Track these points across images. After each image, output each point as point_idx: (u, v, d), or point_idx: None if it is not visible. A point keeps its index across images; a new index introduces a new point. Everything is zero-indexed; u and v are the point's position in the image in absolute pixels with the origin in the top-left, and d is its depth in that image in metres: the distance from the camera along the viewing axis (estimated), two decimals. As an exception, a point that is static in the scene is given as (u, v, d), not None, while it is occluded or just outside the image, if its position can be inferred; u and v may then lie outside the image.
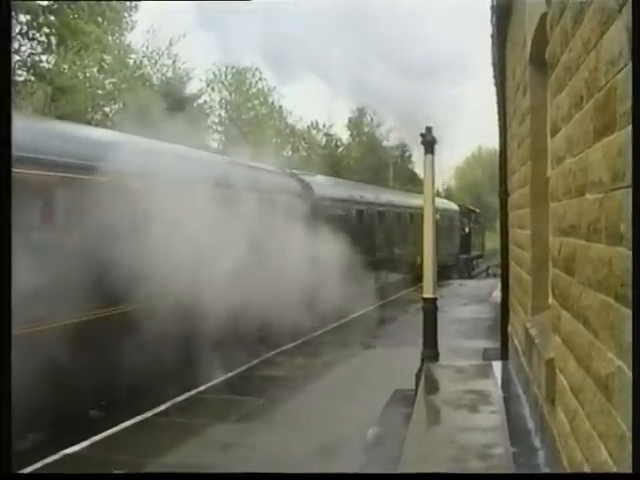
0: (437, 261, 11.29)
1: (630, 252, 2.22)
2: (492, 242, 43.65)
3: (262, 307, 12.13)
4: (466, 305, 21.51)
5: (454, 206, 40.52)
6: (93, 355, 9.23)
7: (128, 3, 31.47)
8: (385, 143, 62.11)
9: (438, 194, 48.30)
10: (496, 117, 10.04)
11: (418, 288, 15.45)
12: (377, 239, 24.15)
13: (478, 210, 48.97)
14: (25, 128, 9.02)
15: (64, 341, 8.30)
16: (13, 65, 26.03)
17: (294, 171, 19.61)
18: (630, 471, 2.15)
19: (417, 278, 17.00)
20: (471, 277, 38.62)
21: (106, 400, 10.04)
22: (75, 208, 9.62)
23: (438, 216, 27.27)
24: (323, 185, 20.60)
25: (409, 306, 20.31)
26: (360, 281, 17.90)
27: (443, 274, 28.04)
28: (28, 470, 7.38)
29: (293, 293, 13.24)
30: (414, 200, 26.98)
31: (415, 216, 24.78)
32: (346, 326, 17.73)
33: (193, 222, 10.92)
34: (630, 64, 2.20)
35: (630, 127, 2.20)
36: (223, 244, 11.34)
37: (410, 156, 63.02)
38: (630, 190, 2.20)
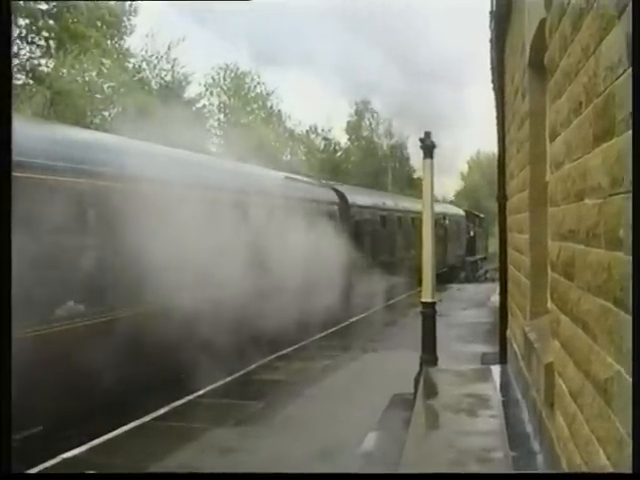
0: (446, 262, 16.09)
1: (629, 257, 2.22)
2: (491, 246, 45.07)
3: (321, 294, 15.49)
4: (465, 309, 21.51)
5: (461, 211, 43.28)
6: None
7: (127, 7, 31.48)
8: (385, 142, 62.13)
9: (444, 200, 49.98)
10: (494, 121, 10.06)
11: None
12: (397, 241, 26.98)
13: (482, 215, 49.90)
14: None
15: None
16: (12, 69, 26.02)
17: (330, 183, 23.47)
18: (630, 471, 2.16)
19: (445, 277, 27.34)
20: (475, 278, 40.30)
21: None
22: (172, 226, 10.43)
23: (447, 221, 34.26)
24: (353, 194, 23.13)
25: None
26: (387, 275, 22.29)
27: (452, 275, 33.22)
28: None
29: (340, 282, 17.27)
30: (445, 208, 34.38)
31: (445, 224, 31.94)
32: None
33: (269, 228, 14.10)
34: (630, 70, 2.21)
35: (629, 132, 2.21)
36: (292, 246, 14.17)
37: (408, 159, 63.05)
38: (630, 196, 2.21)
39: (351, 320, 19.57)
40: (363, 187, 31.56)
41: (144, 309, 10.31)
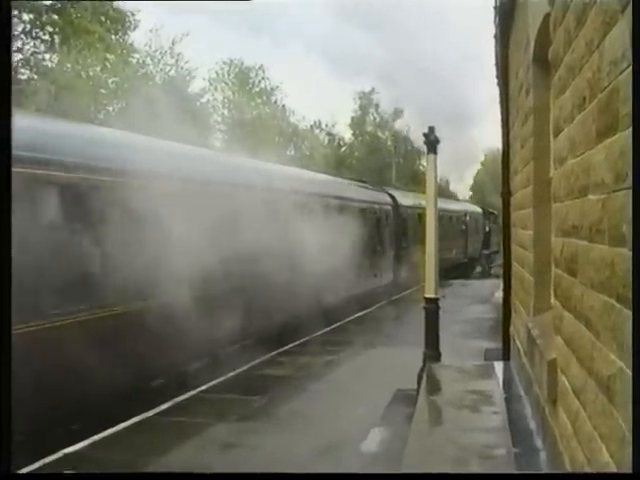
0: (467, 254, 26.10)
1: (631, 253, 2.21)
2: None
3: (380, 271, 23.25)
4: (468, 305, 21.49)
5: (478, 209, 47.61)
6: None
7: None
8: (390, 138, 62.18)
9: (463, 198, 52.58)
10: (495, 117, 10.04)
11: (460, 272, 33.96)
12: (440, 239, 30.85)
13: (496, 212, 50.74)
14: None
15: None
16: (16, 64, 26.04)
17: (383, 187, 28.46)
18: (630, 471, 2.14)
19: (460, 267, 35.23)
20: (490, 268, 42.87)
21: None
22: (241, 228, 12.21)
23: (468, 218, 39.97)
24: (400, 196, 27.87)
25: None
26: (450, 271, 29.35)
27: (470, 265, 39.03)
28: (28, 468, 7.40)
29: (392, 262, 23.72)
30: (453, 205, 39.22)
31: (455, 219, 36.53)
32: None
33: (355, 224, 18.58)
34: (632, 64, 2.19)
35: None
36: (368, 235, 18.30)
37: (412, 154, 63.04)
38: (631, 191, 2.20)
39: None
40: (406, 191, 35.31)
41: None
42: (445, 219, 32.43)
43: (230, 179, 13.40)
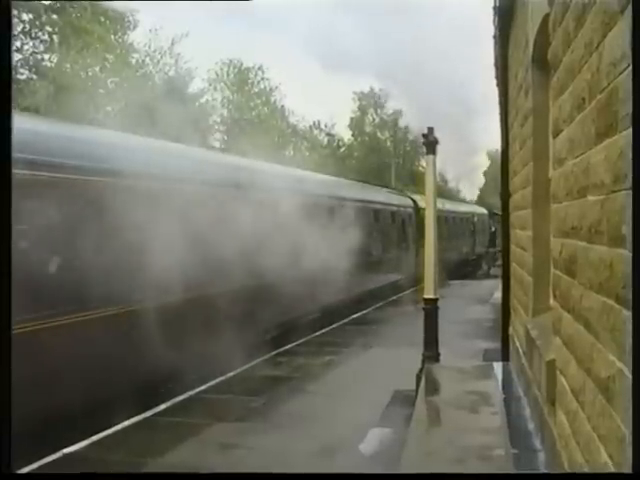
0: (475, 251, 33.87)
1: (631, 254, 2.21)
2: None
3: (403, 266, 26.31)
4: (467, 306, 21.49)
5: (484, 210, 51.04)
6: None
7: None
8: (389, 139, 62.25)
9: (471, 201, 55.26)
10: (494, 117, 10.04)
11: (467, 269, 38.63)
12: (447, 233, 35.14)
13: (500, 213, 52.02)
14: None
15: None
16: (15, 64, 26.03)
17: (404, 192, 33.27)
18: (630, 471, 2.14)
19: (469, 263, 40.78)
20: (495, 265, 44.31)
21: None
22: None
23: (476, 219, 44.88)
24: (420, 200, 29.08)
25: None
26: (450, 264, 31.79)
27: (478, 261, 42.85)
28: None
29: (414, 259, 25.53)
30: (463, 207, 45.34)
31: (465, 220, 41.78)
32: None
33: (379, 230, 23.53)
34: (631, 65, 2.19)
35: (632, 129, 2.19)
36: (396, 234, 21.85)
37: (411, 155, 63.15)
38: (630, 192, 2.20)
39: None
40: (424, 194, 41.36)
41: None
42: (457, 220, 39.34)
43: (301, 190, 16.58)
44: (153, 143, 12.50)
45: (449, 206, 38.73)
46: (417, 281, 25.50)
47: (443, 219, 32.70)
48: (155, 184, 10.71)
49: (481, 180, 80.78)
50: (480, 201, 66.87)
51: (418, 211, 28.30)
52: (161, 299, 10.06)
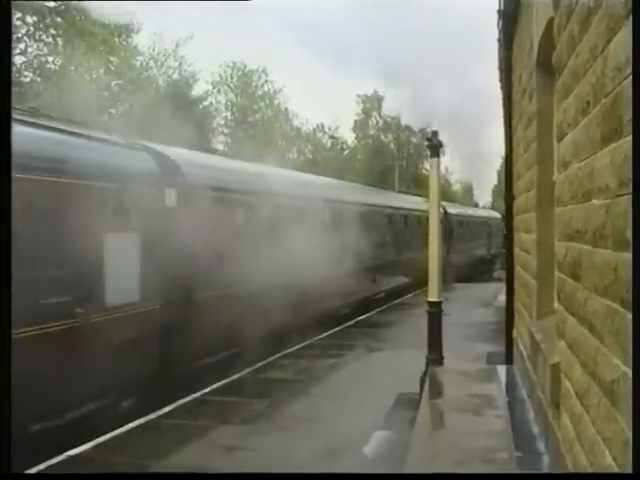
0: (491, 251, 43.67)
1: (633, 257, 2.22)
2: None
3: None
4: (471, 309, 21.48)
5: (498, 214, 54.26)
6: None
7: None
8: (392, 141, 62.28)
9: (485, 206, 66.92)
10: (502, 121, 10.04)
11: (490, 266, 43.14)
12: (470, 235, 42.05)
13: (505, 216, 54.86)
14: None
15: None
16: (19, 66, 26.07)
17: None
18: (630, 471, 2.15)
19: (485, 261, 45.24)
20: (503, 268, 49.37)
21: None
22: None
23: (491, 222, 49.31)
24: (449, 207, 36.08)
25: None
26: (465, 255, 38.62)
27: (492, 260, 45.34)
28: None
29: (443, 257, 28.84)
30: (480, 212, 52.67)
31: (482, 224, 47.46)
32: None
33: (418, 232, 25.76)
34: (630, 76, 2.20)
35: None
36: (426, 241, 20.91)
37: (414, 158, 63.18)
38: (631, 197, 2.21)
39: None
40: (457, 203, 49.87)
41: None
42: (476, 224, 45.39)
43: (365, 202, 22.72)
44: (278, 171, 17.76)
45: (470, 212, 46.71)
46: (449, 270, 32.77)
47: (465, 223, 41.09)
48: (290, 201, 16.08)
49: (494, 184, 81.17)
50: (493, 205, 67.62)
51: (447, 216, 32.82)
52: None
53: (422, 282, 28.41)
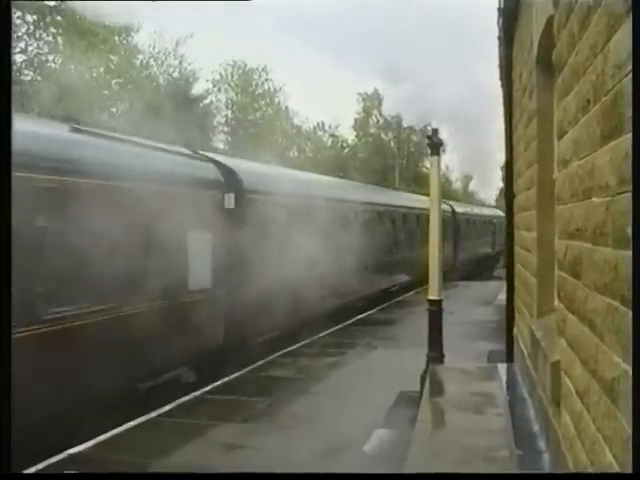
0: (495, 248, 43.65)
1: (632, 255, 2.22)
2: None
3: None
4: (472, 307, 21.47)
5: (501, 213, 61.64)
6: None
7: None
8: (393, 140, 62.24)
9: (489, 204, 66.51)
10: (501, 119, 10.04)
11: (495, 262, 45.52)
12: (476, 232, 44.11)
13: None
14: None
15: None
16: (20, 65, 26.06)
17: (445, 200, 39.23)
18: (630, 471, 2.15)
19: (490, 257, 47.09)
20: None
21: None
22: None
23: (495, 220, 50.59)
24: (457, 206, 39.55)
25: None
26: (472, 249, 40.81)
27: (497, 257, 46.39)
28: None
29: (451, 252, 32.60)
30: (486, 211, 53.35)
31: (488, 222, 48.93)
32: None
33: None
34: (630, 73, 2.19)
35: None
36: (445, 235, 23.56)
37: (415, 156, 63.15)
38: (631, 194, 2.20)
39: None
40: (464, 203, 51.66)
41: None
42: (481, 222, 47.19)
43: (392, 204, 26.23)
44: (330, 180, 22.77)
45: (476, 210, 49.12)
46: (456, 263, 36.74)
47: (472, 222, 43.50)
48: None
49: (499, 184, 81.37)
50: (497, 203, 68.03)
51: (455, 214, 37.09)
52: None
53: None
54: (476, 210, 49.46)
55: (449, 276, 31.16)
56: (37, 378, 7.45)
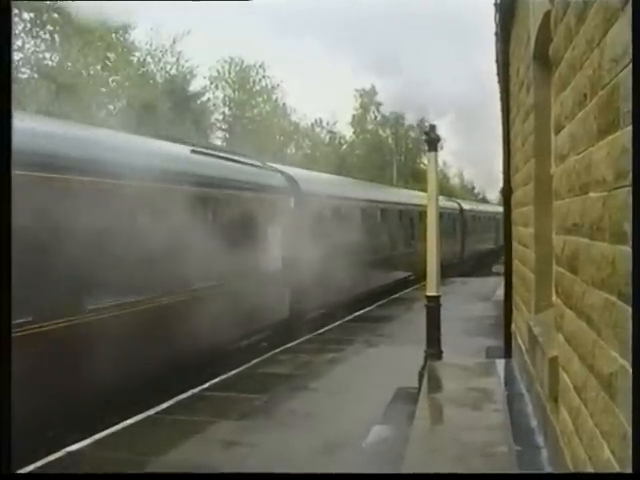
0: (498, 243, 33.56)
1: (631, 250, 2.21)
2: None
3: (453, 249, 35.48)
4: (470, 303, 21.47)
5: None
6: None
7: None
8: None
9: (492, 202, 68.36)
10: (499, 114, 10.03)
11: (498, 257, 40.42)
12: (481, 228, 47.01)
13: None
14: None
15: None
16: (17, 63, 26.01)
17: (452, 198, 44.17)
18: (630, 471, 2.14)
19: (492, 252, 47.18)
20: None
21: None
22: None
23: (498, 217, 53.58)
24: (464, 204, 42.87)
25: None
26: (478, 244, 43.87)
27: (499, 252, 48.84)
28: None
29: (459, 246, 38.04)
30: (489, 208, 55.20)
31: (491, 218, 50.37)
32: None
33: (444, 225, 29.20)
34: (627, 67, 2.18)
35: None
36: (448, 232, 29.41)
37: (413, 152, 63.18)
38: (631, 189, 2.19)
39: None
40: (473, 201, 56.42)
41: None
42: (485, 218, 49.77)
43: (416, 204, 27.38)
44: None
45: (481, 207, 52.69)
46: (464, 255, 39.96)
47: (477, 218, 46.48)
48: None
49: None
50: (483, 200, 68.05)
51: (462, 212, 40.26)
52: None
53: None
54: (480, 207, 52.37)
55: (457, 268, 35.26)
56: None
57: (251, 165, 15.98)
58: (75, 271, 8.47)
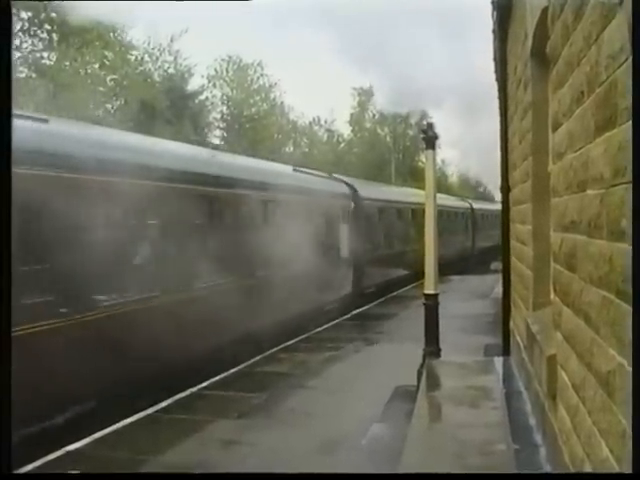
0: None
1: (630, 248, 2.20)
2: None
3: (460, 247, 38.96)
4: (468, 301, 21.47)
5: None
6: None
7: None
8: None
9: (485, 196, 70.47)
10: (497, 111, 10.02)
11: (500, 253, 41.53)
12: (489, 226, 48.42)
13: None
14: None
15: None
16: (14, 62, 25.97)
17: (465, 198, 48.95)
18: (630, 470, 2.13)
19: (496, 248, 45.67)
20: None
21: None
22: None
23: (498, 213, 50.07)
24: (474, 203, 46.60)
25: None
26: (486, 241, 45.01)
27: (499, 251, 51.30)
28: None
29: (469, 243, 42.58)
30: (492, 206, 55.26)
31: (494, 215, 50.85)
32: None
33: (458, 223, 40.63)
34: (630, 58, 2.17)
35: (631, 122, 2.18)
36: (460, 229, 39.58)
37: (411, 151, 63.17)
38: (630, 186, 2.18)
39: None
40: (482, 200, 59.34)
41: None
42: (492, 216, 50.90)
43: (445, 206, 31.03)
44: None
45: (488, 206, 54.30)
46: (474, 250, 43.32)
47: (485, 216, 49.25)
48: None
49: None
50: (481, 197, 68.31)
51: (473, 210, 43.89)
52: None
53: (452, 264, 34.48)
54: (488, 206, 54.45)
55: (470, 261, 39.79)
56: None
57: (325, 177, 21.70)
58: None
